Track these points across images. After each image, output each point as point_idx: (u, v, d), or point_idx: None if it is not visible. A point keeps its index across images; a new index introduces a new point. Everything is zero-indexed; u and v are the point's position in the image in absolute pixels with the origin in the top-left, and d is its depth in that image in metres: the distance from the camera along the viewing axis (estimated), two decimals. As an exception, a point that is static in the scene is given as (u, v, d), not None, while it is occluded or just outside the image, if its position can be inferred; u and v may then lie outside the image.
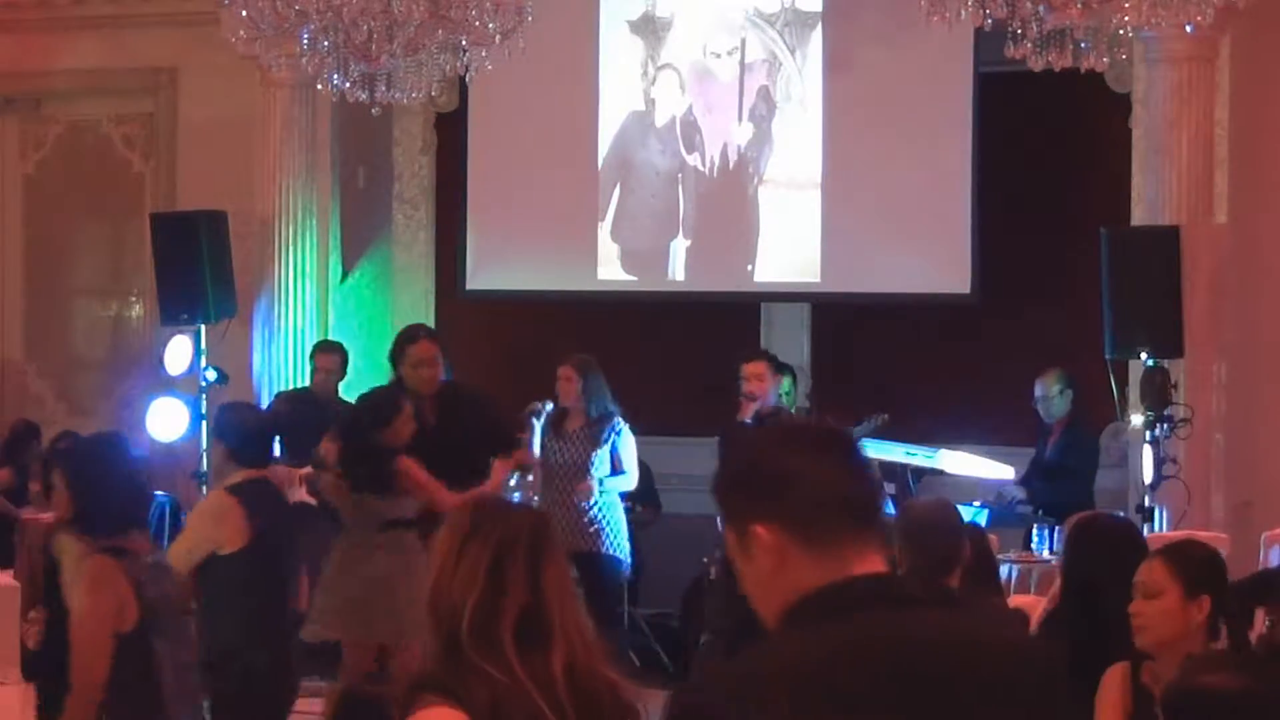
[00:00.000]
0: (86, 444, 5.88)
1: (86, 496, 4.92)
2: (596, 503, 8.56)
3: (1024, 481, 9.44)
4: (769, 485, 2.29)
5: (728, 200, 10.68)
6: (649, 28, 10.84)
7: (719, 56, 10.72)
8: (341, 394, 9.93)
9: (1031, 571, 8.21)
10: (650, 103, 10.85)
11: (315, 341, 10.36)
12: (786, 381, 9.77)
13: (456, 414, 7.59)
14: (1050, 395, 9.40)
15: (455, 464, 7.32)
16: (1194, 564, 4.34)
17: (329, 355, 9.90)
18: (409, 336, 7.84)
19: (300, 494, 9.46)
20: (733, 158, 10.68)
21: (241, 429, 6.43)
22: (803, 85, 10.56)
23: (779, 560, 2.27)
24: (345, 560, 7.14)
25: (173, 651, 4.74)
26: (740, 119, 10.67)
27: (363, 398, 7.77)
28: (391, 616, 6.96)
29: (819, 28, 10.54)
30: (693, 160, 10.75)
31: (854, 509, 2.27)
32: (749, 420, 8.98)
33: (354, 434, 7.36)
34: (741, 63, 10.71)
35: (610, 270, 10.95)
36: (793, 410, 9.72)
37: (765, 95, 10.65)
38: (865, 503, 2.29)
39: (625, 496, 8.83)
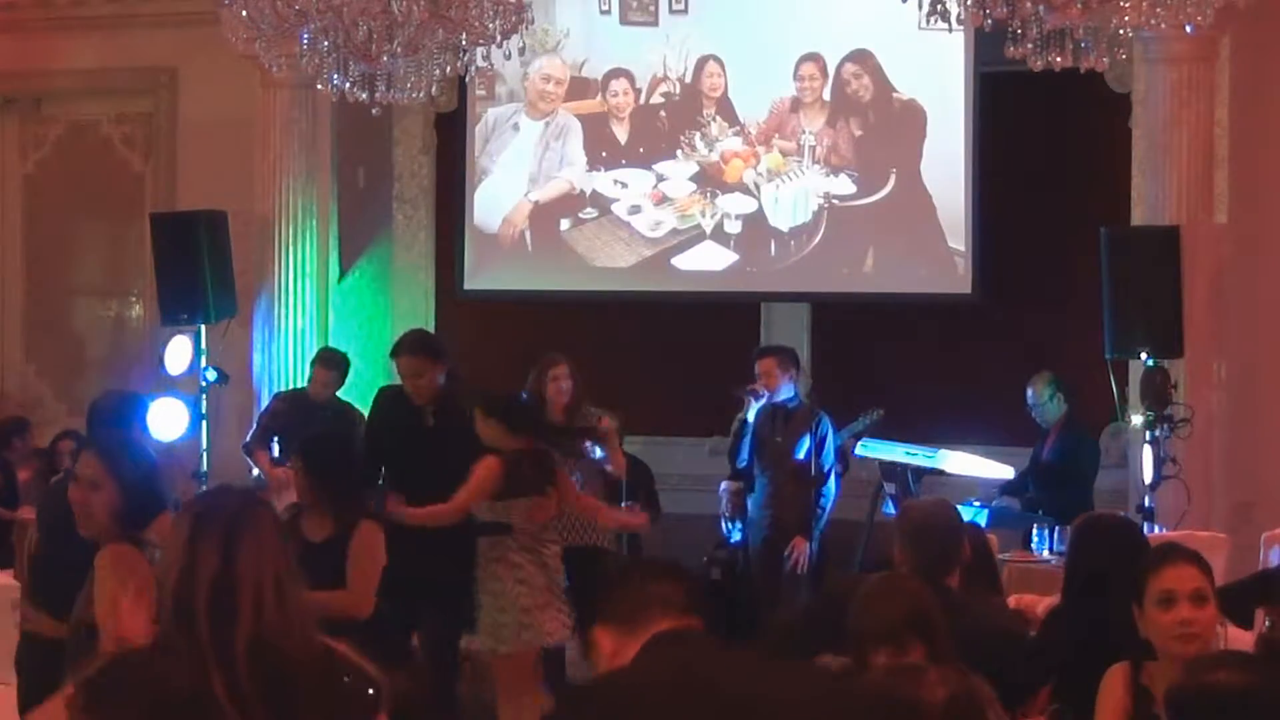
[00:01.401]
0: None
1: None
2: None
3: (1019, 484, 9.42)
4: (605, 599, 3.12)
5: (728, 200, 10.68)
6: (656, 27, 10.84)
7: (720, 59, 10.72)
8: (338, 395, 9.91)
9: (1032, 571, 8.19)
10: (652, 103, 10.86)
11: (319, 350, 10.29)
12: None
13: (451, 423, 7.53)
14: (1042, 401, 9.37)
15: (447, 470, 7.31)
16: (1210, 568, 4.32)
17: (329, 370, 9.76)
18: (393, 350, 7.79)
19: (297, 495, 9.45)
20: (733, 157, 10.68)
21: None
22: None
23: (613, 650, 3.02)
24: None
25: None
26: (742, 119, 10.67)
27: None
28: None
29: (819, 28, 10.57)
30: (694, 160, 10.75)
31: (664, 604, 3.05)
32: (748, 419, 8.96)
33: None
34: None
35: (610, 270, 10.95)
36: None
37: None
38: (674, 599, 3.07)
39: (624, 495, 8.82)
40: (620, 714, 2.86)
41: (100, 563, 4.75)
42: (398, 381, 7.77)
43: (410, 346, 7.64)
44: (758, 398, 8.97)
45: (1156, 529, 8.46)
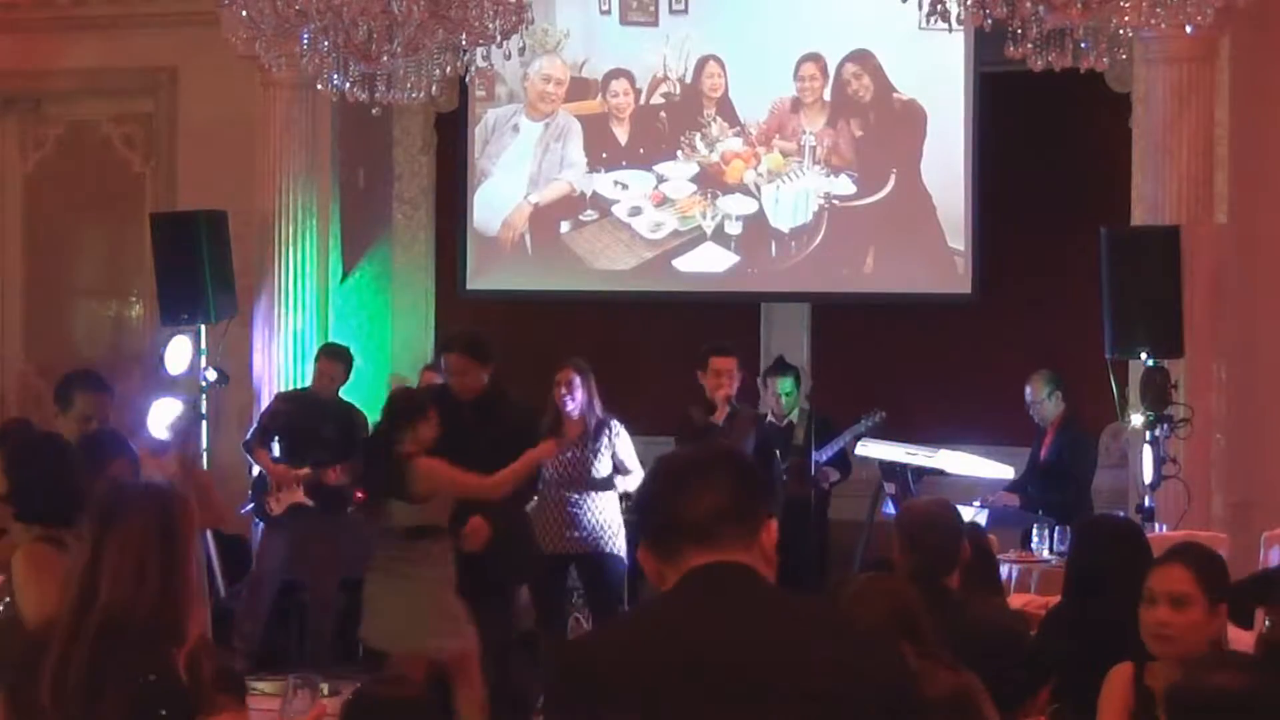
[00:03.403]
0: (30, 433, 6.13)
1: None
2: (593, 504, 8.47)
3: (1019, 484, 9.42)
4: (641, 512, 2.75)
5: (729, 201, 10.68)
6: (656, 28, 10.83)
7: (720, 59, 10.72)
8: (341, 396, 9.91)
9: (1032, 571, 8.20)
10: (653, 104, 10.86)
11: (322, 344, 10.30)
12: (789, 382, 9.75)
13: (492, 420, 7.64)
14: (1040, 399, 9.38)
15: (487, 466, 7.42)
16: (1214, 572, 4.26)
17: (334, 363, 9.80)
18: (444, 344, 7.87)
19: (298, 494, 9.47)
20: (733, 158, 10.68)
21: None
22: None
23: (657, 573, 2.68)
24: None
25: None
26: (743, 119, 10.67)
27: (389, 399, 7.80)
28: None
29: (819, 28, 10.57)
30: (695, 161, 10.75)
31: (691, 532, 2.64)
32: (720, 424, 8.83)
33: (372, 440, 7.44)
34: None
35: (610, 272, 10.94)
36: (793, 412, 9.69)
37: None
38: (702, 524, 2.64)
39: (622, 496, 8.81)
40: (591, 669, 2.59)
41: (15, 566, 4.67)
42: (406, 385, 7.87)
43: (463, 345, 7.76)
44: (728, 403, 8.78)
45: (1157, 529, 8.46)
